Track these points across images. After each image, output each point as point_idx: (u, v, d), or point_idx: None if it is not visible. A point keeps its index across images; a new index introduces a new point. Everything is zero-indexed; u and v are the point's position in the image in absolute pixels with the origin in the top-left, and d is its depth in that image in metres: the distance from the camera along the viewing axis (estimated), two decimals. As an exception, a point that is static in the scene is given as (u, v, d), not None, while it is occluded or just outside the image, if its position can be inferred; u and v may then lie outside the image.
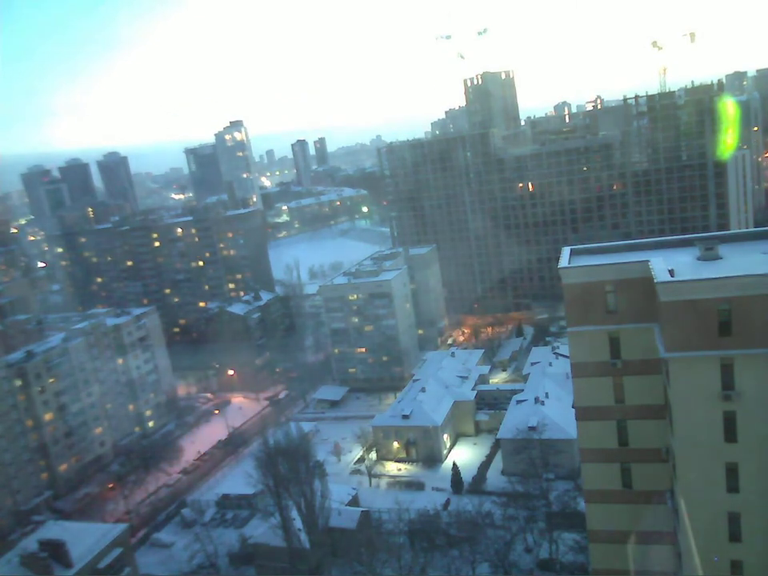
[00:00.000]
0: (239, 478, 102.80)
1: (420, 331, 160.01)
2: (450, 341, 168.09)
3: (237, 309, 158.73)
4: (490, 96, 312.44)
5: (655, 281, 36.37)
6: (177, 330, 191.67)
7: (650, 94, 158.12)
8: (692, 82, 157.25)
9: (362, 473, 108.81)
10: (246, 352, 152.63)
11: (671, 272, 37.02)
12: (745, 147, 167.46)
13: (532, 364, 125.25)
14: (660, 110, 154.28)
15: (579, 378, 43.96)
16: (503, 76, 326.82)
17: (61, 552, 65.70)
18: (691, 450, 37.28)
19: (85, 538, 72.97)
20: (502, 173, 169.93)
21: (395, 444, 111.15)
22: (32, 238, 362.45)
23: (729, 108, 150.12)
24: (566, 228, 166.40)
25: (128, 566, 76.70)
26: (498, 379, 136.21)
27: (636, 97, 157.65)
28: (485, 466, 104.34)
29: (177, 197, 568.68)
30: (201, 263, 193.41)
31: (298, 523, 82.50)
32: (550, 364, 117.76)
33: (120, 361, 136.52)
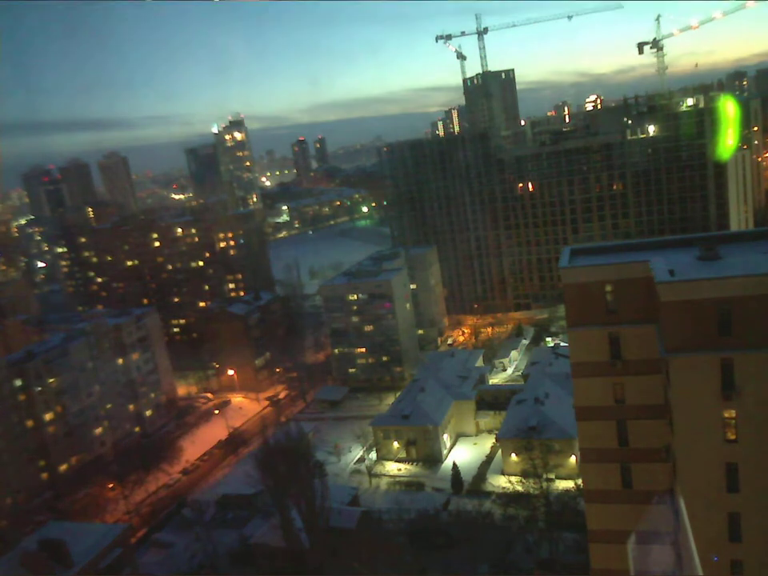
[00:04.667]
0: (239, 478, 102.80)
1: (420, 331, 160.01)
2: (450, 341, 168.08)
3: (237, 309, 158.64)
4: (490, 96, 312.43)
5: (655, 281, 36.39)
6: (177, 330, 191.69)
7: (649, 94, 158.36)
8: (692, 82, 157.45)
9: (361, 473, 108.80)
10: (246, 352, 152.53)
11: (671, 272, 37.02)
12: (745, 147, 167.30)
13: (532, 364, 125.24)
14: (660, 109, 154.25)
15: (579, 378, 43.96)
16: (503, 76, 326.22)
17: (61, 552, 65.70)
18: (691, 450, 37.28)
19: (85, 538, 72.96)
20: (501, 173, 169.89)
21: (395, 444, 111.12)
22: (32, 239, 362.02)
23: (729, 108, 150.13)
24: (565, 228, 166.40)
25: (128, 566, 76.71)
26: (498, 379, 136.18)
27: (636, 97, 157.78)
28: (485, 465, 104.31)
29: (177, 197, 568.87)
30: (201, 263, 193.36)
31: (298, 523, 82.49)
32: (550, 364, 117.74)
33: (120, 361, 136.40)
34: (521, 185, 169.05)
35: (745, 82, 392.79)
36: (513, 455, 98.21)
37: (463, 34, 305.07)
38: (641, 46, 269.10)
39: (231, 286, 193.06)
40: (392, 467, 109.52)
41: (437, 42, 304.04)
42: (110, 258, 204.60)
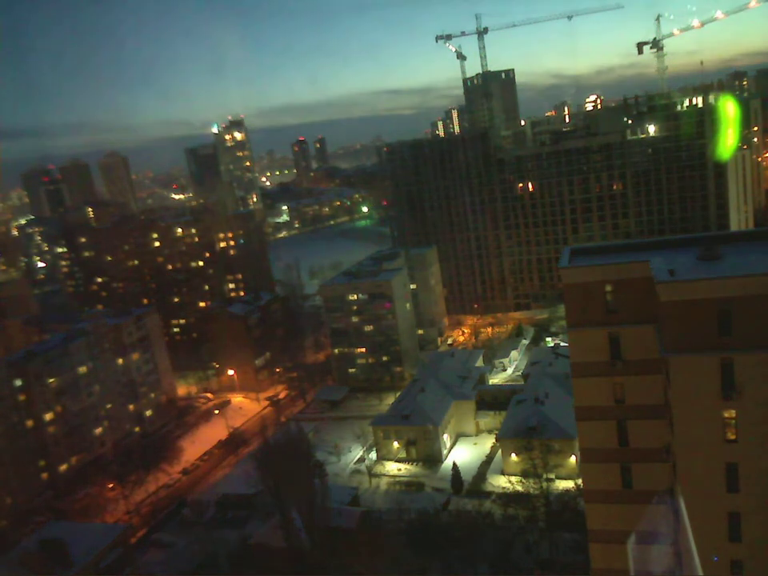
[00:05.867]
0: (239, 478, 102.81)
1: (420, 331, 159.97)
2: (450, 341, 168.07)
3: (237, 309, 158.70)
4: (490, 96, 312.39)
5: (655, 281, 36.39)
6: (177, 329, 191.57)
7: (650, 94, 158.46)
8: (692, 81, 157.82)
9: (362, 473, 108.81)
10: (246, 352, 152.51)
11: (671, 272, 37.03)
12: (745, 147, 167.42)
13: (532, 364, 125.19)
14: (660, 110, 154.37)
15: (579, 378, 43.94)
16: (503, 76, 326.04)
17: (61, 552, 65.88)
18: (691, 450, 37.28)
19: (85, 538, 73.17)
20: (501, 173, 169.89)
21: (395, 444, 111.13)
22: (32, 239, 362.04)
23: (729, 108, 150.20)
24: (565, 228, 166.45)
25: (128, 566, 76.90)
26: (498, 379, 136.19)
27: (636, 97, 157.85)
28: (485, 465, 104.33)
29: (177, 197, 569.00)
30: (201, 263, 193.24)
31: (298, 523, 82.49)
32: (550, 364, 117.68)
33: (120, 361, 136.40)
34: (521, 185, 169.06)
35: (745, 82, 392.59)
36: (513, 455, 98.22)
37: (463, 34, 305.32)
38: (640, 46, 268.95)
39: (231, 286, 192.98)
40: (392, 467, 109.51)
41: (437, 42, 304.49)
42: (110, 258, 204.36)
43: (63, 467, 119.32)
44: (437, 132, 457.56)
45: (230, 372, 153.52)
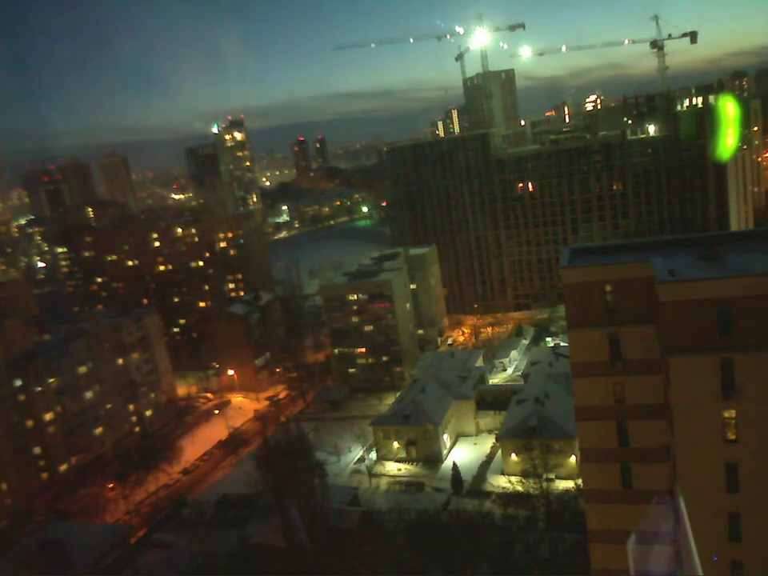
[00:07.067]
0: (239, 478, 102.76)
1: (420, 331, 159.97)
2: (450, 341, 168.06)
3: (237, 309, 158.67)
4: (490, 96, 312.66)
5: (655, 281, 36.40)
6: (177, 329, 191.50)
7: (650, 94, 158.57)
8: (692, 81, 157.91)
9: (361, 473, 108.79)
10: (246, 352, 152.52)
11: (671, 272, 37.03)
12: (745, 147, 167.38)
13: (532, 364, 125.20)
14: (660, 110, 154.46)
15: (579, 378, 43.95)
16: (503, 76, 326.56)
17: (61, 552, 65.87)
18: (691, 450, 37.29)
19: (85, 538, 73.15)
20: (501, 173, 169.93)
21: (395, 444, 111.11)
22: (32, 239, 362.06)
23: (729, 108, 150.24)
24: (565, 228, 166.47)
25: (128, 566, 76.89)
26: (498, 379, 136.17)
27: (636, 97, 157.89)
28: (485, 465, 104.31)
29: (177, 197, 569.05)
30: (201, 263, 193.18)
31: (298, 523, 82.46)
32: (550, 364, 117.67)
33: (120, 361, 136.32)
34: (521, 185, 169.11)
35: (745, 82, 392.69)
36: (513, 455, 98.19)
37: (464, 33, 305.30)
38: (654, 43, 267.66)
39: (231, 285, 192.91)
40: (392, 467, 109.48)
41: (439, 41, 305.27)
42: (109, 258, 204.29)
43: (63, 467, 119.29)
44: (437, 132, 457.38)
45: (230, 372, 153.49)
